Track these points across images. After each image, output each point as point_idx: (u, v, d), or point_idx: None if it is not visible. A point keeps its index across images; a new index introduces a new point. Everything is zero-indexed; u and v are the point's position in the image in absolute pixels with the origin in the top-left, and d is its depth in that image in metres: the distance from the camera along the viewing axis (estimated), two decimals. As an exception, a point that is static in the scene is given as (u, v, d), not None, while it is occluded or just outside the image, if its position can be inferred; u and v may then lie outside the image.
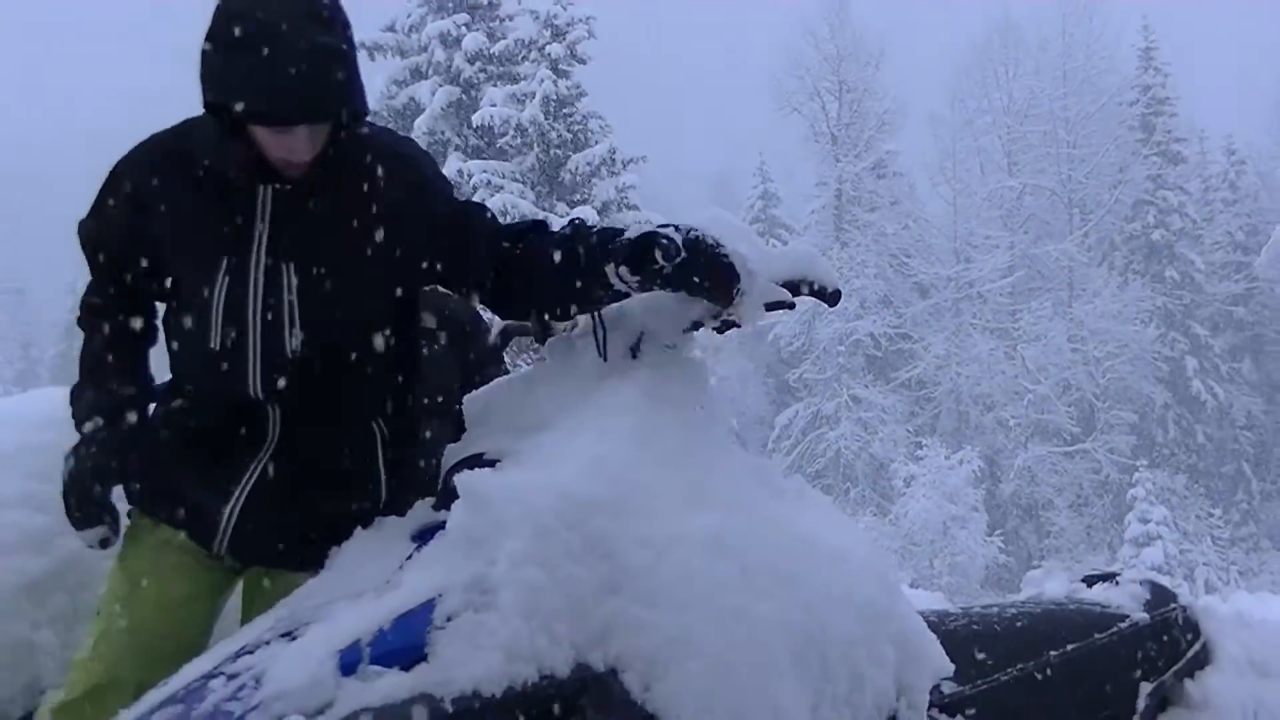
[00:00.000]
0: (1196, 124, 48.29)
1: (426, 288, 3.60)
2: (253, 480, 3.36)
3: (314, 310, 3.28)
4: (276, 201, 3.28)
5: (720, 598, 2.97)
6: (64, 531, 3.66)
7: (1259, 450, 45.59)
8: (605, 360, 3.40)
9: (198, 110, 3.24)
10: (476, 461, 3.28)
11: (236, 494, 3.36)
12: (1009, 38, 47.64)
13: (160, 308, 3.54)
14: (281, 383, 3.31)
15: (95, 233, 3.49)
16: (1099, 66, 46.82)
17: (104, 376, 3.46)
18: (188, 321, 3.35)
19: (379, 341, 3.40)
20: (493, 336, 4.10)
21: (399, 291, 3.43)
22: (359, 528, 3.33)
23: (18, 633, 3.62)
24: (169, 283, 3.40)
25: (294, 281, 3.27)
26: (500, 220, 3.51)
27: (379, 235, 3.32)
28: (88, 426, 3.38)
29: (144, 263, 3.44)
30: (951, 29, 51.52)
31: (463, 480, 2.90)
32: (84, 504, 3.35)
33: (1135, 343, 42.11)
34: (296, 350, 3.29)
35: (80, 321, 3.55)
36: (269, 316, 3.27)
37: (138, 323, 3.51)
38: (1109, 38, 47.07)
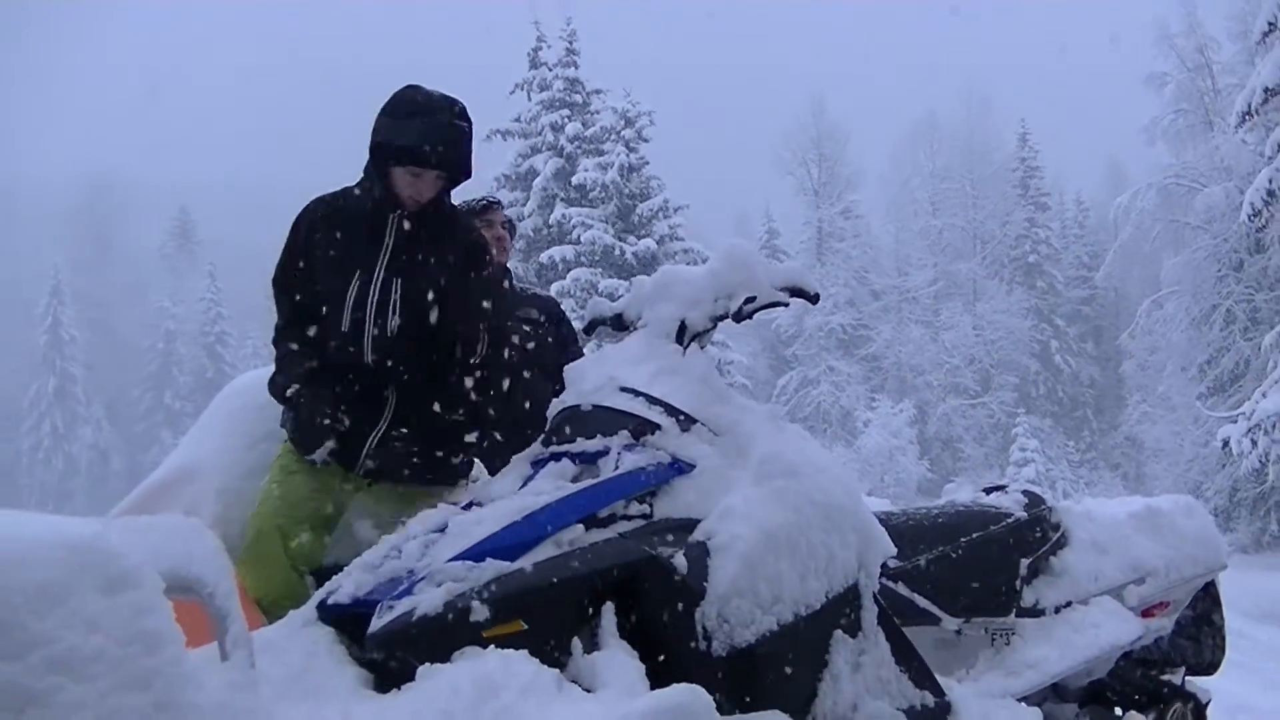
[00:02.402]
0: (1057, 184, 48.22)
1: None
2: (382, 430, 3.52)
3: (409, 307, 3.47)
4: (400, 231, 3.51)
5: (751, 509, 2.96)
6: None
7: (1099, 401, 45.55)
8: (684, 351, 3.39)
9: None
10: (574, 411, 3.27)
11: (370, 439, 3.52)
12: (931, 124, 47.57)
13: None
14: (386, 350, 3.47)
15: (279, 271, 3.68)
16: (991, 145, 46.75)
17: (290, 363, 3.58)
18: (327, 312, 3.53)
19: (437, 331, 3.52)
20: (581, 326, 4.08)
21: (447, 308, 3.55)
22: (464, 455, 3.59)
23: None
24: (319, 290, 3.57)
25: (400, 286, 3.47)
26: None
27: (444, 277, 3.53)
28: (290, 392, 3.52)
29: (307, 281, 3.61)
30: (894, 119, 51.38)
31: None
32: (312, 433, 3.48)
33: (1017, 330, 42.06)
34: (394, 330, 3.46)
35: (275, 343, 3.69)
36: (381, 305, 3.46)
37: (311, 330, 3.61)
38: (998, 125, 47.12)
